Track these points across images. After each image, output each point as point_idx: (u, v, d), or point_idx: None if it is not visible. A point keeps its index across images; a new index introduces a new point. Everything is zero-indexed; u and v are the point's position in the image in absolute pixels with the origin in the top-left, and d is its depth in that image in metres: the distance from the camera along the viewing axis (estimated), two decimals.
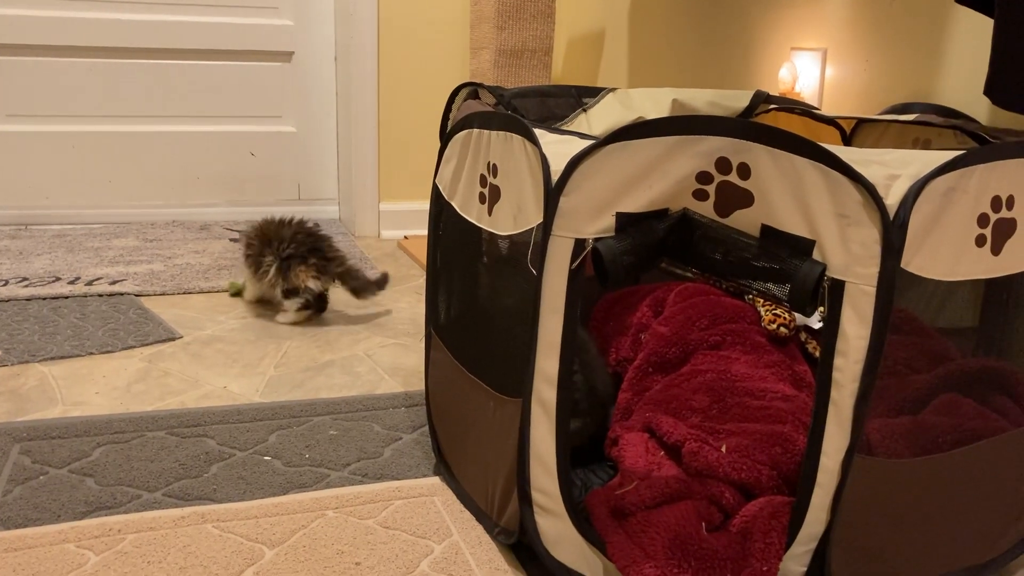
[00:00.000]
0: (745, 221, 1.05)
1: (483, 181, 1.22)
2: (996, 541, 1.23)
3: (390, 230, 2.92)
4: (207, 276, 2.42)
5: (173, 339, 1.99)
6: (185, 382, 1.76)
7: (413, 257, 2.72)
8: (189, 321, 2.10)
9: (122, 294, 2.25)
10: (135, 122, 2.91)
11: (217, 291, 2.33)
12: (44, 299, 2.20)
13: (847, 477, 1.03)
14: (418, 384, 1.78)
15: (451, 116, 1.51)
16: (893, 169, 0.99)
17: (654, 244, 1.11)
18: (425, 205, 1.45)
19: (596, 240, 1.06)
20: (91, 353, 1.88)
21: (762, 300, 1.56)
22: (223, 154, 2.98)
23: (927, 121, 1.46)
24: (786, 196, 1.01)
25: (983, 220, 1.03)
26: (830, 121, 1.63)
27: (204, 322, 2.10)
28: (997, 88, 1.33)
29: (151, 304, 2.20)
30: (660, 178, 1.05)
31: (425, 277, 1.46)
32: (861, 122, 1.60)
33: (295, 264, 2.05)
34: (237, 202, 3.03)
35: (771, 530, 1.07)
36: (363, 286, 2.10)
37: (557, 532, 1.15)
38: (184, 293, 2.30)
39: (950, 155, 1.00)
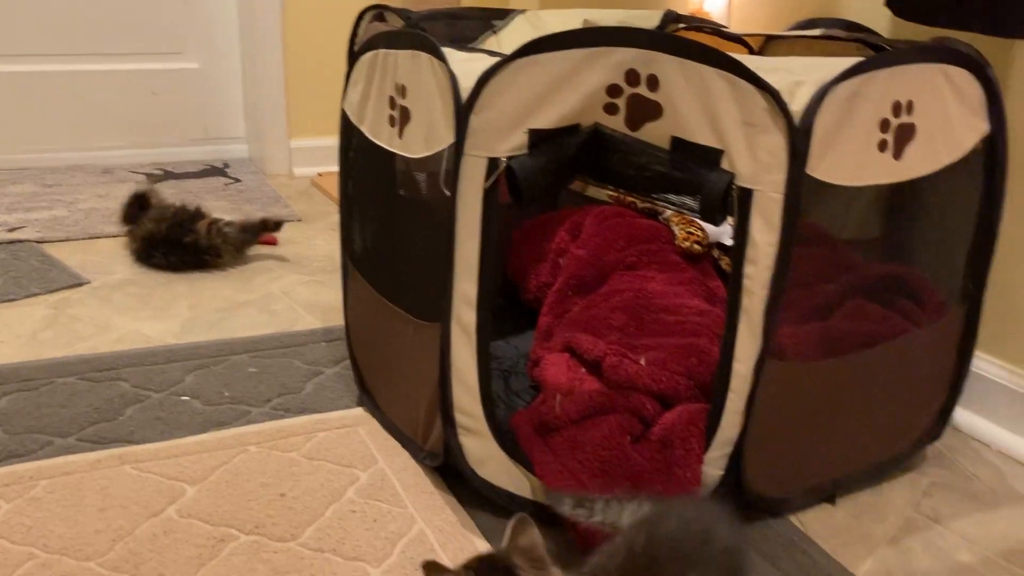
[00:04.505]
0: (656, 133, 1.05)
1: (392, 103, 1.19)
2: (900, 437, 1.29)
3: (303, 167, 2.85)
4: (114, 220, 2.33)
5: (80, 284, 1.91)
6: (95, 327, 1.71)
7: (328, 194, 2.67)
8: (97, 266, 2.03)
9: (22, 241, 2.16)
10: (25, 61, 2.75)
11: (124, 235, 2.24)
12: None
13: (759, 381, 1.06)
14: (338, 319, 1.76)
15: (357, 40, 1.46)
16: (798, 76, 1.00)
17: (568, 161, 1.10)
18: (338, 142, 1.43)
19: (509, 158, 1.05)
20: None
21: (676, 219, 1.58)
22: (122, 94, 2.84)
23: (832, 36, 1.47)
24: (694, 107, 1.01)
25: (884, 125, 1.05)
26: (738, 39, 1.64)
27: (113, 266, 2.03)
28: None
29: (55, 251, 2.11)
30: (571, 92, 1.04)
31: (339, 207, 1.43)
32: (769, 39, 1.61)
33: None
34: (141, 144, 2.91)
35: (690, 436, 1.10)
36: (243, 241, 2.08)
37: (482, 451, 1.16)
38: (90, 238, 2.22)
39: (852, 62, 1.02)
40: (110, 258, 2.08)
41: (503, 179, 1.06)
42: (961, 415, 1.45)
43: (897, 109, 1.06)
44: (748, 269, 1.03)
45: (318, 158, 2.86)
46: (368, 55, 1.26)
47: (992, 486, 1.31)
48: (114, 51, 2.85)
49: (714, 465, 1.11)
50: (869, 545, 1.16)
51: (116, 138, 2.91)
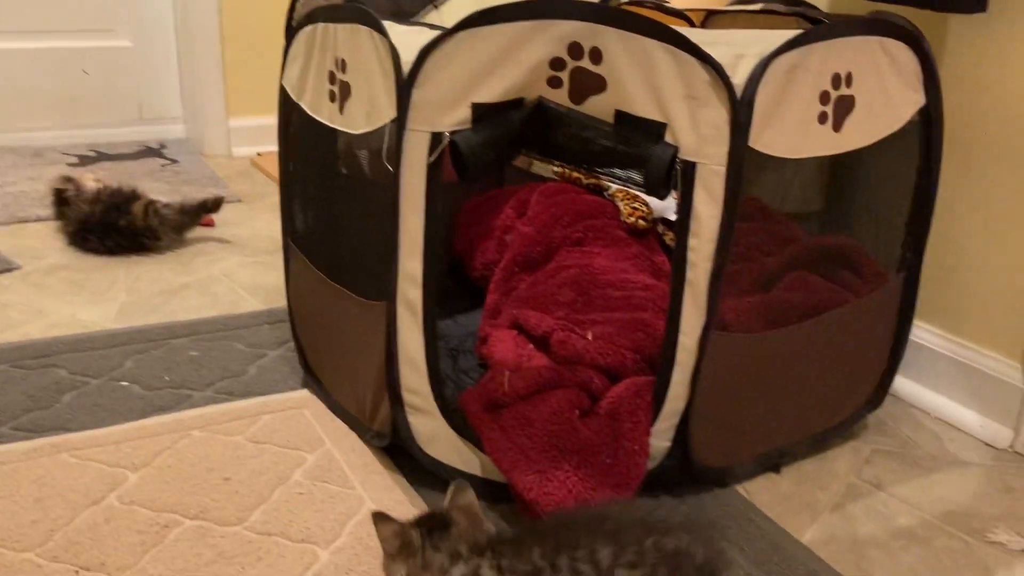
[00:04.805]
0: (599, 107, 1.05)
1: (332, 78, 1.17)
2: (841, 406, 1.32)
3: (242, 147, 2.79)
4: (45, 203, 2.26)
5: (10, 270, 1.85)
6: (28, 313, 1.65)
7: (268, 174, 2.62)
8: (28, 251, 1.96)
9: None
10: None
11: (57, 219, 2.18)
12: None
13: (704, 353, 1.07)
14: (281, 301, 1.73)
15: (296, 14, 1.43)
16: (739, 49, 1.01)
17: (512, 135, 1.09)
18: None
19: (453, 133, 1.04)
20: None
21: (621, 195, 1.59)
22: (52, 72, 2.75)
23: (772, 10, 1.48)
24: (638, 80, 1.01)
25: (824, 97, 1.06)
26: (679, 14, 1.64)
27: (44, 251, 1.97)
28: None
29: None
30: (514, 66, 1.03)
31: (279, 186, 1.40)
32: (711, 14, 1.62)
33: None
34: (72, 124, 2.81)
35: (637, 409, 1.11)
36: (182, 223, 2.03)
37: (430, 430, 1.15)
38: (20, 222, 2.14)
39: (792, 34, 1.02)
40: (42, 242, 2.02)
41: (447, 154, 1.05)
42: (901, 383, 1.49)
43: (836, 81, 1.07)
44: (692, 242, 1.03)
45: (257, 137, 2.80)
46: (307, 29, 1.23)
47: (931, 452, 1.35)
48: (41, 28, 2.75)
49: (661, 437, 1.12)
50: (813, 512, 1.18)
51: (46, 119, 2.81)
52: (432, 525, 0.87)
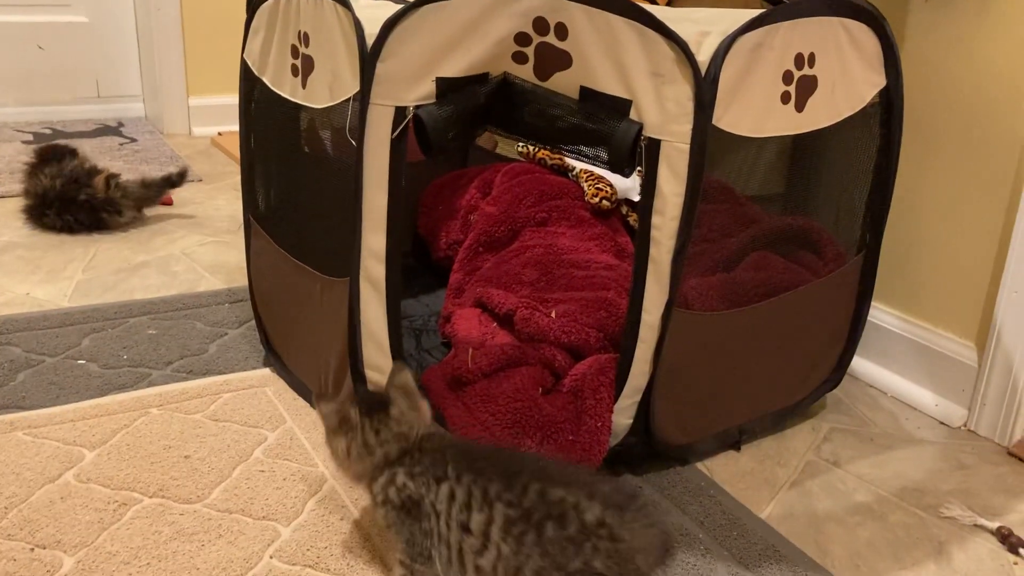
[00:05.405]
0: (565, 83, 1.05)
1: (295, 52, 1.16)
2: (800, 385, 1.33)
3: (202, 127, 2.75)
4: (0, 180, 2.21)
5: None
6: None
7: (228, 154, 2.59)
8: None
9: None
10: None
11: (11, 196, 2.13)
12: None
13: (666, 331, 1.08)
14: (242, 280, 1.71)
15: None
16: (704, 26, 1.01)
17: (477, 110, 1.09)
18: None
19: (417, 107, 1.03)
20: None
21: (585, 175, 1.59)
22: (6, 48, 2.69)
23: None
24: (603, 56, 1.01)
25: (787, 77, 1.07)
26: None
27: None
28: None
29: None
30: (479, 40, 1.02)
31: (240, 163, 1.38)
32: None
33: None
34: (28, 101, 2.76)
35: (600, 386, 1.11)
36: (143, 198, 2.00)
37: None
38: None
39: (757, 13, 1.03)
40: None
41: (411, 129, 1.04)
42: (859, 363, 1.51)
43: (800, 61, 1.08)
44: (656, 220, 1.04)
45: (218, 117, 2.77)
46: (269, 2, 1.21)
47: (887, 430, 1.37)
48: None
49: (623, 414, 1.13)
50: (772, 488, 1.20)
51: (1, 94, 2.75)
52: (371, 403, 0.92)
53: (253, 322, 1.48)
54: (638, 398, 1.12)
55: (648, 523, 0.83)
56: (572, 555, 0.81)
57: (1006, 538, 1.12)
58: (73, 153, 2.04)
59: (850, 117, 1.18)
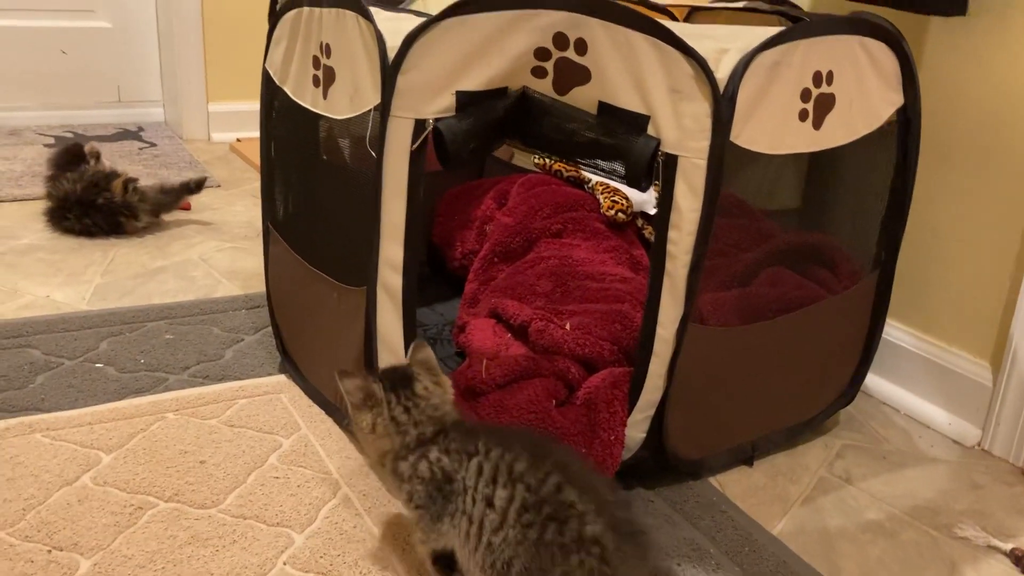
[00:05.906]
0: (583, 98, 1.05)
1: (316, 63, 1.17)
2: (814, 401, 1.34)
3: (221, 132, 2.77)
4: (20, 183, 2.23)
5: None
6: (1, 293, 1.64)
7: (247, 160, 2.60)
8: (2, 231, 1.94)
9: None
10: None
11: (33, 199, 2.15)
12: None
13: (681, 345, 1.08)
14: (259, 286, 1.72)
15: None
16: (722, 44, 1.02)
17: (495, 124, 1.10)
18: (259, 105, 1.38)
19: (437, 120, 1.04)
20: None
21: (601, 188, 1.59)
22: (30, 52, 2.72)
23: (755, 8, 1.50)
24: (622, 72, 1.02)
25: (806, 95, 1.08)
26: (663, 10, 1.65)
27: (19, 231, 1.95)
28: None
29: None
30: (499, 54, 1.03)
31: (260, 171, 1.40)
32: (694, 10, 1.63)
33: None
34: (50, 105, 2.78)
35: (614, 400, 1.12)
36: (161, 203, 2.02)
37: None
38: None
39: (776, 31, 1.03)
40: (17, 223, 2.00)
41: (430, 141, 1.05)
42: (872, 380, 1.51)
43: (818, 79, 1.08)
44: (672, 234, 1.04)
45: (237, 123, 2.79)
46: (291, 13, 1.23)
47: (900, 447, 1.37)
48: (20, 7, 2.71)
49: (636, 428, 1.13)
50: (784, 504, 1.20)
51: (23, 98, 2.78)
52: (395, 379, 0.94)
53: (269, 328, 1.49)
54: (651, 412, 1.12)
55: (642, 559, 0.84)
56: (558, 561, 0.81)
57: (1020, 560, 1.12)
58: (96, 156, 2.06)
59: (867, 135, 1.19)
